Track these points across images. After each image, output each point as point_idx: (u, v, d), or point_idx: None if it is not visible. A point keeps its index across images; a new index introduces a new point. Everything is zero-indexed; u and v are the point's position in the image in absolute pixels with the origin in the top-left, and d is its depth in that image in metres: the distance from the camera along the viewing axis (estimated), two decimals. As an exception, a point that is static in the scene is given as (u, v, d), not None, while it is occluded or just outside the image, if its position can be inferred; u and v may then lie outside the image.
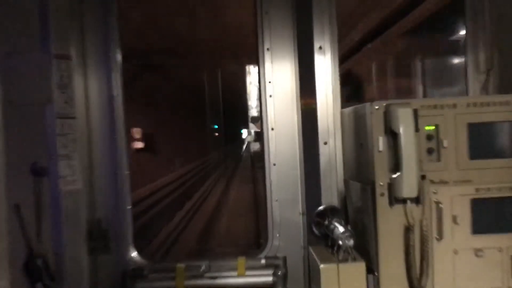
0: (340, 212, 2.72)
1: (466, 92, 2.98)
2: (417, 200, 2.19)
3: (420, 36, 6.35)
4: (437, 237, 2.21)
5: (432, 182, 2.22)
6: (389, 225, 2.21)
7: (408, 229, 2.18)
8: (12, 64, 2.15)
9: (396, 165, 2.16)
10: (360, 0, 6.15)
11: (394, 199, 2.19)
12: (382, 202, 2.21)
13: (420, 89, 6.49)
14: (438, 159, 2.23)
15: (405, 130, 2.13)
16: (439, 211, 2.21)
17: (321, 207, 2.73)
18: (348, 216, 2.73)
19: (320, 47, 2.79)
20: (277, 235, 2.87)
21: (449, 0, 4.96)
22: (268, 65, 2.88)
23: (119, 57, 2.85)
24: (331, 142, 2.78)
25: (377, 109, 2.21)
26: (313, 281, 2.53)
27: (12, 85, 2.14)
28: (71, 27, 2.66)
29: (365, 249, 2.37)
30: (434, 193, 2.22)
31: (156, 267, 2.83)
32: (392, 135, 2.18)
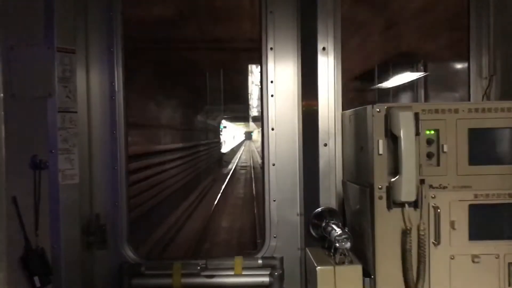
0: (337, 214, 2.71)
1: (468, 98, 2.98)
2: (415, 204, 2.19)
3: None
4: (434, 242, 2.21)
5: (431, 186, 2.22)
6: (387, 228, 2.21)
7: (405, 233, 2.18)
8: (14, 57, 2.15)
9: (395, 169, 2.16)
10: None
11: (392, 202, 2.19)
12: (380, 205, 2.21)
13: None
14: (438, 164, 2.23)
15: (405, 133, 2.13)
16: (437, 216, 2.20)
17: (319, 209, 2.73)
18: (345, 218, 2.73)
19: (324, 48, 2.77)
20: (274, 236, 2.87)
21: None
22: (270, 64, 2.87)
23: (122, 52, 2.85)
24: (331, 143, 2.78)
25: (379, 111, 2.21)
26: (310, 283, 2.52)
27: (14, 78, 2.13)
28: (75, 21, 2.66)
29: (362, 252, 2.36)
30: (433, 197, 2.22)
31: (152, 264, 2.83)
32: (393, 139, 2.18)
